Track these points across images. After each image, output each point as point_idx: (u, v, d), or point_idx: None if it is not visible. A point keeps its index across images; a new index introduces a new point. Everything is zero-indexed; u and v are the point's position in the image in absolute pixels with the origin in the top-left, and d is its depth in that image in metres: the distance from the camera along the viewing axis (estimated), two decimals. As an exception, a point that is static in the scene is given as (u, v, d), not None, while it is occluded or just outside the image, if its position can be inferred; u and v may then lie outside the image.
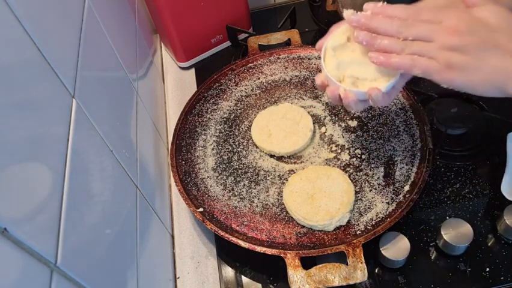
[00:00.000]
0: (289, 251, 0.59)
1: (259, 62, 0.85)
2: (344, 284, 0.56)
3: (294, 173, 0.70)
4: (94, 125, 0.46)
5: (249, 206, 0.67)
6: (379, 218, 0.62)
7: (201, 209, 0.66)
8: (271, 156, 0.73)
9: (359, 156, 0.70)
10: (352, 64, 0.54)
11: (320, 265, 0.57)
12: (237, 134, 0.77)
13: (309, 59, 0.84)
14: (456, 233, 0.60)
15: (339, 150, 0.72)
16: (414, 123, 0.72)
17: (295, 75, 0.83)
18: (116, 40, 0.63)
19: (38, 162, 0.35)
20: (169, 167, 0.78)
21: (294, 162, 0.72)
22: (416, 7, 0.51)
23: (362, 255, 0.57)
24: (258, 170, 0.71)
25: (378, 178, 0.67)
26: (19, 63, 0.35)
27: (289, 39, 0.87)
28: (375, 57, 0.50)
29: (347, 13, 0.53)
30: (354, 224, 0.63)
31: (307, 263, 0.58)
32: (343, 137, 0.73)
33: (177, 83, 0.92)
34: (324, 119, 0.76)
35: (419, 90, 0.77)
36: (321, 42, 0.57)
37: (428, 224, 0.65)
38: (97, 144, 0.47)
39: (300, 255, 0.58)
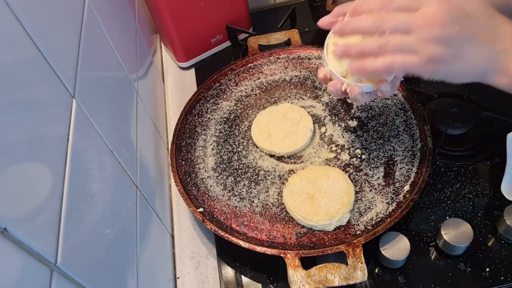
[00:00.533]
0: (289, 251, 0.59)
1: (259, 62, 0.85)
2: (344, 284, 0.56)
3: (294, 173, 0.70)
4: (94, 125, 0.46)
5: (249, 206, 0.67)
6: (379, 218, 0.62)
7: (201, 209, 0.66)
8: (271, 156, 0.73)
9: (359, 156, 0.70)
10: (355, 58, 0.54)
11: (320, 265, 0.57)
12: (237, 134, 0.77)
13: (309, 59, 0.84)
14: (456, 233, 0.60)
15: (339, 150, 0.72)
16: (414, 123, 0.72)
17: (295, 75, 0.83)
18: (116, 40, 0.63)
19: (38, 162, 0.35)
20: (169, 167, 0.78)
21: (294, 162, 0.72)
22: None
23: (362, 255, 0.57)
24: (258, 170, 0.71)
25: (378, 178, 0.67)
26: (19, 63, 0.35)
27: (289, 39, 0.87)
28: (350, 67, 0.49)
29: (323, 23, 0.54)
30: (354, 224, 0.63)
31: (307, 263, 0.58)
32: (343, 137, 0.73)
33: (177, 83, 0.92)
34: (324, 119, 0.76)
35: (419, 90, 0.78)
36: (326, 21, 0.55)
37: (428, 224, 0.65)
38: (97, 144, 0.47)
39: (300, 255, 0.58)
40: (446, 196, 0.68)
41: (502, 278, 0.60)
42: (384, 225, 0.60)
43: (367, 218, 0.63)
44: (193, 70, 0.94)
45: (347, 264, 0.57)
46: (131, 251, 0.51)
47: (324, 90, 0.80)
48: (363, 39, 0.50)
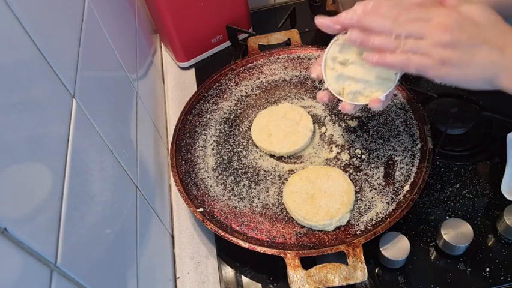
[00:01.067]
0: (289, 251, 0.59)
1: (259, 62, 0.85)
2: (344, 284, 0.56)
3: (294, 173, 0.70)
4: (94, 125, 0.46)
5: (249, 206, 0.67)
6: (379, 218, 0.62)
7: (201, 209, 0.66)
8: (271, 156, 0.73)
9: (359, 156, 0.70)
10: (350, 76, 0.57)
11: (320, 265, 0.57)
12: (237, 134, 0.77)
13: (309, 59, 0.84)
14: (456, 233, 0.60)
15: (339, 150, 0.72)
16: (414, 123, 0.72)
17: (295, 75, 0.83)
18: (116, 40, 0.63)
19: (38, 162, 0.35)
20: (169, 167, 0.78)
21: (294, 162, 0.72)
22: (406, 5, 0.52)
23: (362, 255, 0.57)
24: (258, 170, 0.71)
25: (378, 178, 0.67)
26: (19, 63, 0.35)
27: (289, 39, 0.87)
28: (370, 57, 0.51)
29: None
30: (354, 224, 0.63)
31: (307, 263, 0.58)
32: (343, 137, 0.73)
33: (177, 83, 0.92)
34: (324, 119, 0.76)
35: (419, 90, 0.78)
36: (325, 23, 0.56)
37: (428, 224, 0.65)
38: (97, 144, 0.47)
39: (300, 255, 0.58)
40: (446, 196, 0.68)
41: (502, 278, 0.60)
42: (384, 225, 0.60)
43: (367, 218, 0.63)
44: (193, 70, 0.94)
45: (347, 264, 0.57)
46: (131, 251, 0.51)
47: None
48: (361, 56, 0.54)
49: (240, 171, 0.71)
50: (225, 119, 0.79)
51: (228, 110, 0.80)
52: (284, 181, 0.69)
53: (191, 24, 0.87)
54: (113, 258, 0.45)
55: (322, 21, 0.56)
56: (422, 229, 0.65)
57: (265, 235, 0.63)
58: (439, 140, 0.71)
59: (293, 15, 0.95)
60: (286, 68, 0.84)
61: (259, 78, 0.83)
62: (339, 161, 0.70)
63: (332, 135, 0.74)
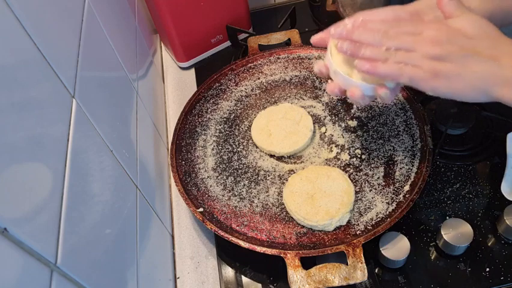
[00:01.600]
0: (289, 251, 0.59)
1: (259, 62, 0.85)
2: (344, 284, 0.56)
3: (294, 173, 0.70)
4: (94, 125, 0.46)
5: (249, 206, 0.67)
6: (379, 218, 0.62)
7: (201, 209, 0.66)
8: (271, 156, 0.73)
9: (359, 156, 0.70)
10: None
11: (320, 265, 0.57)
12: (237, 134, 0.77)
13: (309, 59, 0.84)
14: (456, 233, 0.60)
15: (339, 150, 0.72)
16: (414, 123, 0.72)
17: (295, 75, 0.83)
18: (116, 40, 0.63)
19: (38, 162, 0.35)
20: (169, 167, 0.78)
21: (294, 162, 0.72)
22: (395, 20, 0.53)
23: (362, 255, 0.57)
24: (258, 170, 0.71)
25: (378, 178, 0.67)
26: (19, 63, 0.35)
27: (289, 39, 0.87)
28: (361, 65, 0.51)
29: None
30: (354, 224, 0.63)
31: (307, 263, 0.58)
32: (343, 137, 0.73)
33: (177, 83, 0.92)
34: (324, 119, 0.76)
35: (419, 90, 0.77)
36: (317, 37, 0.58)
37: (428, 224, 0.65)
38: (97, 144, 0.47)
39: (300, 255, 0.58)
40: (446, 196, 0.68)
41: (502, 278, 0.60)
42: (384, 225, 0.60)
43: (367, 218, 0.63)
44: (193, 70, 0.94)
45: (347, 264, 0.57)
46: (131, 251, 0.51)
47: (324, 90, 0.80)
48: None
49: (240, 171, 0.71)
50: (225, 119, 0.79)
51: (228, 110, 0.80)
52: (284, 181, 0.69)
53: (191, 24, 0.87)
54: (113, 258, 0.45)
55: (315, 37, 0.58)
56: (422, 229, 0.65)
57: (265, 235, 0.63)
58: (439, 140, 0.71)
59: (293, 15, 0.95)
60: (286, 68, 0.84)
61: (259, 78, 0.83)
62: (339, 161, 0.70)
63: (332, 135, 0.74)
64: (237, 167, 0.72)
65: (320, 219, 0.61)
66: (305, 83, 0.82)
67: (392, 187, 0.66)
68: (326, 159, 0.71)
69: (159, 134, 0.79)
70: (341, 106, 0.77)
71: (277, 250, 0.59)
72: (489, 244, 0.63)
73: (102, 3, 0.61)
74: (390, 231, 0.61)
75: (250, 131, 0.76)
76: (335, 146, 0.72)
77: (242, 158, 0.73)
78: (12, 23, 0.35)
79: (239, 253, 0.64)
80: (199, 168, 0.72)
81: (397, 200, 0.64)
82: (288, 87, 0.82)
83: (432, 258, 0.63)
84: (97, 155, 0.46)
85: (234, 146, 0.75)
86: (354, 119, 0.75)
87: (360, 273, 0.56)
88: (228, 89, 0.82)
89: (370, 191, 0.66)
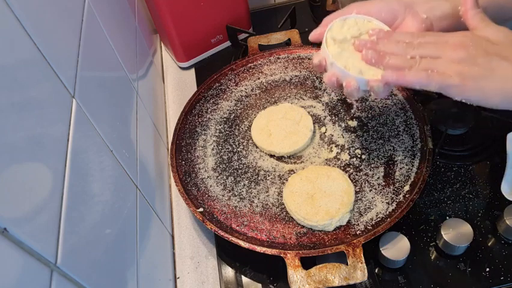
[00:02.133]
0: (289, 251, 0.59)
1: (259, 62, 0.85)
2: (344, 284, 0.56)
3: (294, 173, 0.70)
4: (94, 125, 0.46)
5: (249, 206, 0.67)
6: (379, 218, 0.62)
7: (201, 209, 0.66)
8: (271, 156, 0.73)
9: (359, 156, 0.70)
10: (353, 55, 0.55)
11: (320, 265, 0.57)
12: (237, 134, 0.77)
13: (309, 59, 0.84)
14: (456, 233, 0.60)
15: (339, 150, 0.72)
16: (414, 123, 0.72)
17: (295, 75, 0.83)
18: (116, 40, 0.63)
19: (38, 162, 0.35)
20: (169, 167, 0.78)
21: (294, 162, 0.72)
22: (420, 32, 0.53)
23: (362, 255, 0.57)
24: (258, 170, 0.71)
25: (378, 178, 0.67)
26: (19, 63, 0.35)
27: (289, 39, 0.87)
28: (389, 76, 0.50)
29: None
30: (354, 224, 0.63)
31: (307, 263, 0.58)
32: (343, 137, 0.73)
33: (177, 83, 0.92)
34: (324, 119, 0.76)
35: (419, 90, 0.77)
36: (316, 33, 0.58)
37: (428, 224, 0.65)
38: (97, 144, 0.47)
39: (300, 255, 0.58)
40: (446, 196, 0.68)
41: (502, 278, 0.60)
42: (384, 225, 0.60)
43: (367, 218, 0.63)
44: (193, 70, 0.94)
45: (347, 264, 0.57)
46: (131, 251, 0.51)
47: (324, 90, 0.80)
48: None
49: (240, 171, 0.71)
50: (225, 119, 0.79)
51: (228, 110, 0.80)
52: (284, 181, 0.69)
53: (191, 24, 0.87)
54: (113, 258, 0.45)
55: (313, 35, 0.58)
56: (422, 229, 0.65)
57: (265, 235, 0.63)
58: (439, 140, 0.71)
59: (293, 15, 0.95)
60: (286, 68, 0.84)
61: (259, 78, 0.83)
62: (339, 161, 0.70)
63: (332, 135, 0.74)
64: (237, 167, 0.72)
65: (320, 219, 0.61)
66: (305, 83, 0.82)
67: (392, 187, 0.66)
68: (326, 159, 0.71)
69: (159, 134, 0.79)
70: (341, 106, 0.77)
71: (277, 250, 0.59)
72: (489, 244, 0.63)
73: (102, 3, 0.61)
74: (390, 231, 0.61)
75: (250, 131, 0.76)
76: (335, 146, 0.72)
77: (242, 158, 0.73)
78: (12, 23, 0.35)
79: (239, 253, 0.64)
80: (199, 168, 0.72)
81: (397, 200, 0.64)
82: (288, 87, 0.82)
83: (432, 258, 0.63)
84: (97, 155, 0.46)
85: (234, 146, 0.75)
86: (354, 119, 0.75)
87: (360, 273, 0.56)
88: (228, 89, 0.82)
89: (370, 191, 0.66)
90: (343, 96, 0.78)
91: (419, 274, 0.61)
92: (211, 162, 0.73)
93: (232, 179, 0.71)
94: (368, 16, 0.57)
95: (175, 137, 0.75)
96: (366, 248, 0.58)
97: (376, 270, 0.62)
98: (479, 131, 0.74)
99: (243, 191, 0.69)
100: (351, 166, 0.70)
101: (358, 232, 0.61)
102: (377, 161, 0.69)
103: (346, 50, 0.55)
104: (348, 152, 0.71)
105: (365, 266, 0.56)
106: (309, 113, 0.76)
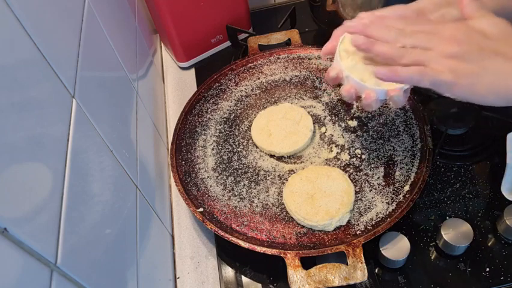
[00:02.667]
0: (289, 251, 0.59)
1: (259, 62, 0.85)
2: (344, 284, 0.56)
3: (294, 173, 0.70)
4: (94, 125, 0.46)
5: (249, 206, 0.67)
6: (379, 218, 0.62)
7: (201, 209, 0.66)
8: (271, 156, 0.73)
9: (359, 156, 0.70)
10: (368, 67, 0.54)
11: (320, 265, 0.57)
12: (237, 134, 0.77)
13: (309, 59, 0.84)
14: (456, 233, 0.60)
15: (339, 150, 0.72)
16: (414, 123, 0.72)
17: (295, 75, 0.83)
18: (116, 40, 0.63)
19: (38, 162, 0.35)
20: (169, 167, 0.78)
21: (294, 162, 0.72)
22: (412, 18, 0.51)
23: (362, 255, 0.57)
24: (258, 170, 0.71)
25: (378, 178, 0.67)
26: (19, 63, 0.35)
27: (289, 39, 0.87)
28: (382, 73, 0.49)
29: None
30: (354, 224, 0.63)
31: (307, 263, 0.58)
32: (343, 137, 0.73)
33: (177, 83, 0.92)
34: (324, 119, 0.76)
35: (419, 90, 0.77)
36: (328, 48, 0.57)
37: (428, 224, 0.65)
38: (97, 144, 0.47)
39: (300, 255, 0.58)
40: (446, 196, 0.68)
41: (502, 278, 0.60)
42: (384, 225, 0.60)
43: (367, 218, 0.63)
44: (193, 70, 0.94)
45: (347, 264, 0.57)
46: (131, 251, 0.51)
47: (324, 90, 0.80)
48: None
49: (240, 171, 0.71)
50: (225, 119, 0.79)
51: (228, 110, 0.80)
52: (284, 181, 0.69)
53: (191, 24, 0.87)
54: (113, 258, 0.45)
55: (325, 49, 0.57)
56: (422, 229, 0.65)
57: (265, 235, 0.63)
58: (439, 140, 0.71)
59: (293, 15, 0.95)
60: (286, 68, 0.84)
61: (259, 78, 0.83)
62: (339, 161, 0.70)
63: (332, 135, 0.74)
64: (237, 167, 0.72)
65: (320, 219, 0.61)
66: (305, 83, 0.82)
67: (392, 187, 0.66)
68: (326, 159, 0.71)
69: (159, 134, 0.79)
70: (341, 106, 0.77)
71: (277, 250, 0.59)
72: (489, 244, 0.63)
73: (102, 3, 0.61)
74: (390, 231, 0.61)
75: (250, 131, 0.76)
76: (335, 146, 0.72)
77: (242, 158, 0.73)
78: (12, 23, 0.35)
79: (239, 253, 0.64)
80: (199, 168, 0.72)
81: (397, 200, 0.64)
82: (288, 87, 0.82)
83: (432, 258, 0.63)
84: (97, 155, 0.46)
85: (234, 146, 0.75)
86: (354, 119, 0.75)
87: (360, 273, 0.56)
88: (228, 89, 0.82)
89: (370, 191, 0.66)
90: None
91: (419, 274, 0.61)
92: (211, 162, 0.73)
93: (232, 179, 0.71)
94: None
95: (175, 137, 0.75)
96: (366, 248, 0.58)
97: (376, 270, 0.62)
98: (479, 131, 0.74)
99: (243, 191, 0.69)
100: (351, 166, 0.70)
101: (358, 232, 0.61)
102: (377, 161, 0.69)
103: (360, 62, 0.55)
104: (348, 152, 0.71)
105: (365, 266, 0.56)
106: (309, 113, 0.76)
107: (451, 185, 0.69)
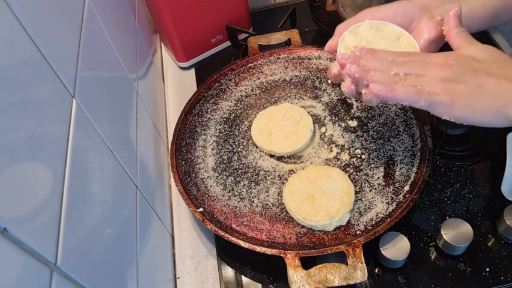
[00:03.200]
0: (289, 251, 0.59)
1: (259, 62, 0.85)
2: (344, 284, 0.56)
3: (294, 173, 0.70)
4: (94, 125, 0.46)
5: (249, 206, 0.67)
6: (379, 218, 0.62)
7: (201, 209, 0.66)
8: (271, 156, 0.73)
9: (359, 156, 0.70)
10: None
11: (320, 265, 0.57)
12: (237, 134, 0.77)
13: (309, 59, 0.84)
14: (456, 233, 0.60)
15: (339, 150, 0.72)
16: (414, 123, 0.72)
17: (295, 75, 0.83)
18: (116, 40, 0.63)
19: (38, 162, 0.35)
20: (169, 167, 0.78)
21: (294, 162, 0.72)
22: (403, 52, 0.52)
23: (362, 255, 0.57)
24: (258, 170, 0.71)
25: (378, 178, 0.67)
26: (19, 63, 0.35)
27: (289, 39, 0.87)
28: (377, 89, 0.48)
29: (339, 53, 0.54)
30: (354, 224, 0.63)
31: (307, 263, 0.58)
32: (343, 137, 0.73)
33: (177, 83, 0.92)
34: (324, 119, 0.76)
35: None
36: (332, 44, 0.58)
37: (428, 224, 0.65)
38: (97, 144, 0.47)
39: (300, 255, 0.58)
40: (446, 196, 0.68)
41: (502, 278, 0.60)
42: (384, 225, 0.60)
43: (367, 218, 0.63)
44: (193, 70, 0.94)
45: (347, 264, 0.57)
46: (131, 251, 0.51)
47: (324, 90, 0.80)
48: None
49: (240, 171, 0.71)
50: (225, 119, 0.79)
51: (228, 110, 0.80)
52: (284, 181, 0.69)
53: (191, 24, 0.87)
54: (113, 258, 0.45)
55: (328, 45, 0.57)
56: (422, 229, 0.65)
57: (265, 235, 0.63)
58: (439, 140, 0.71)
59: (293, 15, 0.95)
60: (286, 68, 0.84)
61: (259, 78, 0.83)
62: (339, 161, 0.70)
63: (332, 135, 0.74)
64: (237, 167, 0.72)
65: (320, 219, 0.61)
66: (305, 83, 0.82)
67: (392, 187, 0.66)
68: (326, 159, 0.71)
69: (159, 134, 0.79)
70: (341, 106, 0.77)
71: (277, 250, 0.59)
72: (489, 244, 0.63)
73: (102, 3, 0.61)
74: (390, 231, 0.61)
75: (250, 131, 0.76)
76: (335, 146, 0.72)
77: (242, 158, 0.73)
78: (12, 23, 0.35)
79: (239, 253, 0.64)
80: (199, 168, 0.72)
81: (397, 200, 0.64)
82: (288, 87, 0.82)
83: (432, 258, 0.63)
84: (97, 155, 0.46)
85: (234, 146, 0.75)
86: (354, 119, 0.75)
87: (360, 273, 0.56)
88: (228, 89, 0.82)
89: (370, 191, 0.66)
90: (343, 96, 0.78)
91: (419, 274, 0.61)
92: (211, 162, 0.73)
93: (232, 179, 0.71)
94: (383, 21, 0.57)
95: (175, 137, 0.75)
96: (366, 248, 0.58)
97: (376, 270, 0.62)
98: (479, 131, 0.74)
99: (243, 191, 0.69)
100: (351, 166, 0.70)
101: (358, 232, 0.61)
102: (377, 161, 0.69)
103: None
104: (348, 152, 0.71)
105: (365, 266, 0.56)
106: (309, 113, 0.76)
107: (451, 185, 0.69)
